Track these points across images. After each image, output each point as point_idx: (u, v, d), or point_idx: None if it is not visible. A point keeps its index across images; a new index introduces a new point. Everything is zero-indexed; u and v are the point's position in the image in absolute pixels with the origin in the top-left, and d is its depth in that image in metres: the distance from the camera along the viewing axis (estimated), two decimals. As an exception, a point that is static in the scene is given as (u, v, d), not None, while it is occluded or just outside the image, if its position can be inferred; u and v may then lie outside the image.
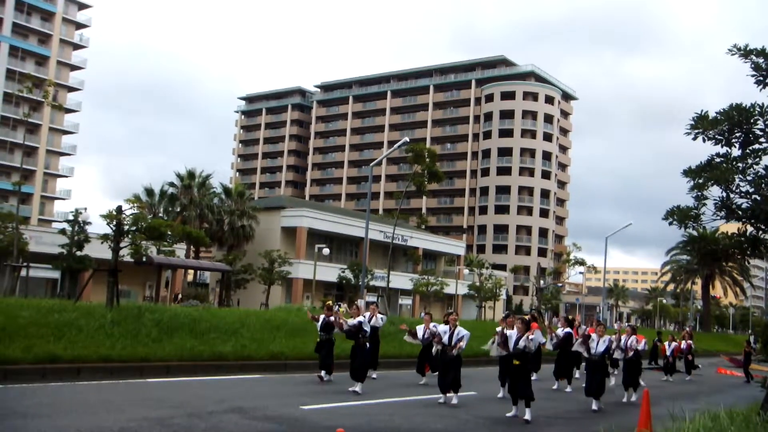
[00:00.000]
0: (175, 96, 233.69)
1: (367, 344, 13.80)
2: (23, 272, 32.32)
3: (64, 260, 32.81)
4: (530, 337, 11.65)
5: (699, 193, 10.65)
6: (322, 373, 14.50)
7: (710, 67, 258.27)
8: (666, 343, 23.45)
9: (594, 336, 13.83)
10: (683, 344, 24.06)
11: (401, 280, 60.64)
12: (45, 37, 78.43)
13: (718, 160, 10.71)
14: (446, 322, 13.36)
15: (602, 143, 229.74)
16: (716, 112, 10.54)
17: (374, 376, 15.71)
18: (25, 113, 33.60)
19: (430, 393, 14.03)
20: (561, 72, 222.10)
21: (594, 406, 13.21)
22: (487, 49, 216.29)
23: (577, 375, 18.68)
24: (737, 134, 10.63)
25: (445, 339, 12.76)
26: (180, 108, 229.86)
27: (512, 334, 12.12)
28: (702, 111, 10.60)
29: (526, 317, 13.75)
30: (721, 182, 10.43)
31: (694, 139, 10.66)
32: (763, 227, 10.66)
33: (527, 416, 11.21)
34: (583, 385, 14.05)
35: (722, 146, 10.77)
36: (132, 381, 13.07)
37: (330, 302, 16.42)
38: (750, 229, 10.93)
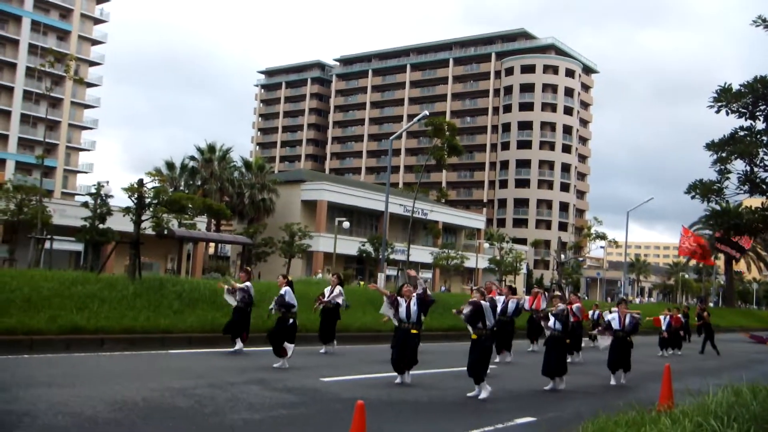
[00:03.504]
0: (194, 70, 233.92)
1: (291, 320, 12.80)
2: (47, 245, 32.70)
3: (87, 233, 33.15)
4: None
5: (722, 167, 10.51)
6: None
7: (729, 39, 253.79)
8: (662, 317, 22.96)
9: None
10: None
11: (421, 253, 60.75)
12: (66, 12, 78.55)
13: (741, 133, 10.55)
14: (401, 295, 11.69)
15: (620, 116, 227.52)
16: (740, 85, 10.37)
17: (323, 350, 15.27)
18: (48, 87, 33.66)
19: (450, 366, 14.09)
20: (577, 45, 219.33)
21: (548, 386, 12.21)
22: (501, 22, 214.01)
23: (535, 348, 18.88)
24: (761, 107, 10.45)
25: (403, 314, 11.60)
26: (199, 82, 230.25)
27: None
28: (725, 83, 10.43)
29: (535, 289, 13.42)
30: (745, 156, 10.29)
31: (718, 112, 10.50)
32: (787, 201, 10.52)
33: (483, 394, 10.62)
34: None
35: (746, 119, 10.61)
36: (154, 352, 13.26)
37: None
38: (774, 203, 10.79)
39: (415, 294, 11.48)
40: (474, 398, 10.51)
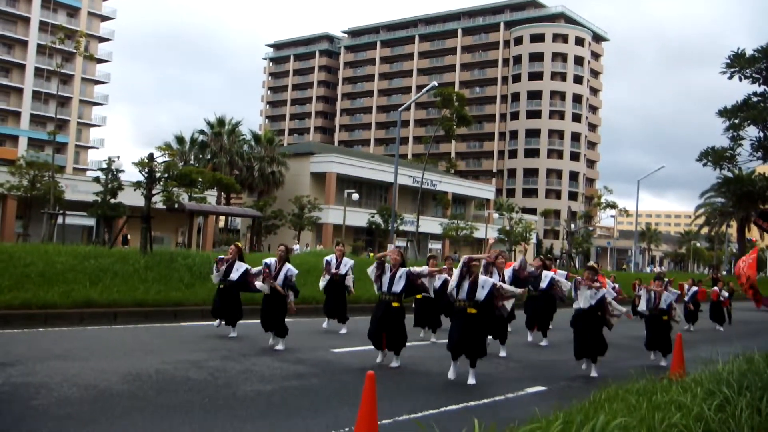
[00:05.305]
0: (202, 46, 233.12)
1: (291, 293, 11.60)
2: (60, 220, 32.89)
3: (99, 207, 33.30)
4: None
5: (735, 134, 10.41)
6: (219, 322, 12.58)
7: (737, 5, 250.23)
8: (686, 287, 22.26)
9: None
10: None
11: (431, 224, 60.77)
12: (76, -12, 78.29)
13: (755, 99, 10.43)
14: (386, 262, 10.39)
15: (629, 84, 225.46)
16: (753, 50, 10.22)
17: (329, 328, 14.23)
18: (59, 64, 33.57)
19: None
20: (585, 12, 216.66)
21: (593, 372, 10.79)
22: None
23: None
24: (775, 72, 10.31)
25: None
26: (207, 58, 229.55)
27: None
28: (739, 49, 10.28)
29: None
30: (758, 122, 10.18)
31: (730, 77, 10.37)
32: (801, 168, 10.43)
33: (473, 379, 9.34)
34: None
35: (759, 85, 10.48)
36: (167, 325, 13.38)
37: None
38: (787, 169, 10.71)
39: (408, 269, 10.12)
40: (493, 368, 10.39)
